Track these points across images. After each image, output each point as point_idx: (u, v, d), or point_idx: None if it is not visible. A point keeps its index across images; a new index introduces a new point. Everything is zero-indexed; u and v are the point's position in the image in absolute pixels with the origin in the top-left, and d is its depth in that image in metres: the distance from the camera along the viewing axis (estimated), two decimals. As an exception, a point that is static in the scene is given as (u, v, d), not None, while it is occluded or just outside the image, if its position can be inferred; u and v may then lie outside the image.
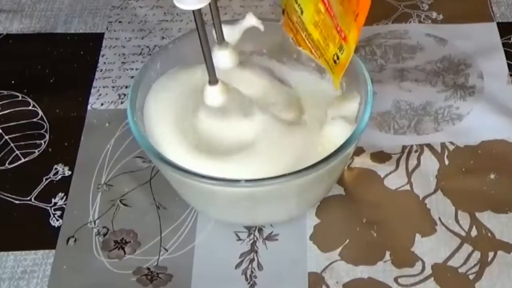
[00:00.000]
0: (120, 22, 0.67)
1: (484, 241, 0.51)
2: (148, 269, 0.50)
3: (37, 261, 0.51)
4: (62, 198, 0.54)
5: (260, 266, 0.50)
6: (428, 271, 0.50)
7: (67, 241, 0.52)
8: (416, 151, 0.56)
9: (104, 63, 0.63)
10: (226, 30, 0.49)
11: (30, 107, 0.60)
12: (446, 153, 0.56)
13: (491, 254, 0.50)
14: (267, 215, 0.51)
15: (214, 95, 0.47)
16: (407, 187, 0.54)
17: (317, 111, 0.51)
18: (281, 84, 0.53)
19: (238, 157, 0.47)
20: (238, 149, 0.47)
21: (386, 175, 0.55)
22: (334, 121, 0.49)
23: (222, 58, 0.49)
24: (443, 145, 0.56)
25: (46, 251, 0.51)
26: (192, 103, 0.50)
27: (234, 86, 0.49)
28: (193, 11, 0.43)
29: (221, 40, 0.49)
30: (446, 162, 0.55)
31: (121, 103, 0.60)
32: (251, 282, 0.49)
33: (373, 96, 0.49)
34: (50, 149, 0.57)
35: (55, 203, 0.54)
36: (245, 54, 0.54)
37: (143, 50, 0.64)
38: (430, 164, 0.55)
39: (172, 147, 0.48)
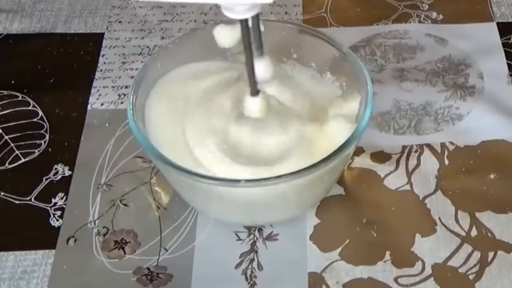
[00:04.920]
0: (120, 22, 0.67)
1: (484, 241, 0.51)
2: (148, 269, 0.50)
3: (37, 261, 0.51)
4: (62, 198, 0.54)
5: (260, 266, 0.50)
6: (428, 271, 0.50)
7: (67, 241, 0.52)
8: (416, 151, 0.56)
9: (104, 63, 0.63)
10: (226, 30, 0.49)
11: (30, 107, 0.60)
12: (446, 153, 0.56)
13: (491, 254, 0.50)
14: (267, 215, 0.51)
15: (255, 106, 0.47)
16: (407, 187, 0.54)
17: (318, 110, 0.51)
18: (304, 92, 0.53)
19: (279, 167, 0.46)
20: (277, 159, 0.47)
21: (386, 175, 0.55)
22: (336, 119, 0.49)
23: (260, 70, 0.49)
24: (443, 145, 0.56)
25: (46, 251, 0.51)
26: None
27: (272, 96, 0.49)
28: (241, 20, 0.43)
29: (260, 53, 0.48)
30: (446, 162, 0.55)
31: (121, 103, 0.60)
32: (251, 282, 0.49)
33: (373, 96, 0.49)
34: (50, 149, 0.57)
35: (55, 203, 0.54)
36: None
37: (143, 50, 0.64)
38: (430, 164, 0.55)
39: (213, 160, 0.47)
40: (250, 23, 0.43)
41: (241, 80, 0.51)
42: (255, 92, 0.47)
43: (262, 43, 0.46)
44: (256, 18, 0.44)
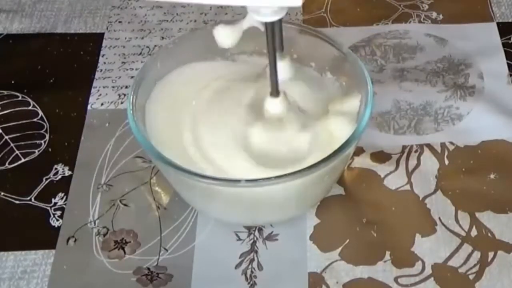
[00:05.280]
0: (120, 22, 0.67)
1: (484, 241, 0.51)
2: (148, 269, 0.50)
3: (37, 261, 0.51)
4: (62, 198, 0.54)
5: (260, 266, 0.50)
6: (428, 271, 0.50)
7: (67, 241, 0.52)
8: (416, 151, 0.56)
9: (104, 63, 0.63)
10: (226, 30, 0.49)
11: (30, 107, 0.60)
12: (446, 153, 0.56)
13: (491, 254, 0.50)
14: (267, 215, 0.51)
15: (276, 107, 0.47)
16: (407, 187, 0.54)
17: (318, 110, 0.51)
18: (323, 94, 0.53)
19: (294, 169, 0.46)
20: (293, 161, 0.47)
21: (386, 175, 0.55)
22: (336, 117, 0.49)
23: (280, 69, 0.49)
24: (443, 145, 0.56)
25: (46, 251, 0.51)
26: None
27: (292, 97, 0.49)
28: (266, 23, 0.43)
29: (281, 55, 0.48)
30: (446, 162, 0.55)
31: (121, 103, 0.60)
32: (251, 282, 0.49)
33: (373, 96, 0.49)
34: (50, 149, 0.57)
35: (55, 203, 0.54)
36: (247, 54, 0.54)
37: (143, 50, 0.64)
38: (430, 164, 0.55)
39: (232, 162, 0.47)
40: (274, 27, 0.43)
41: (261, 78, 0.51)
42: (276, 92, 0.47)
43: (283, 44, 0.46)
44: (279, 20, 0.43)
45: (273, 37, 0.44)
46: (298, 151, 0.48)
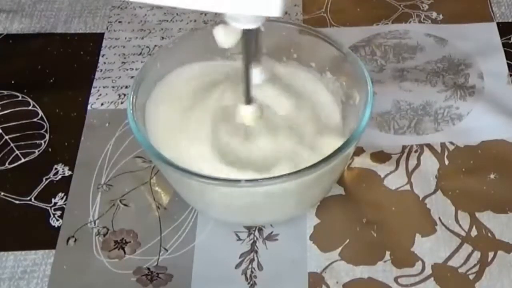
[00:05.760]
0: (120, 22, 0.67)
1: (484, 241, 0.51)
2: (148, 269, 0.50)
3: (37, 261, 0.51)
4: (62, 198, 0.54)
5: (260, 266, 0.50)
6: (428, 271, 0.50)
7: (67, 241, 0.52)
8: (416, 151, 0.56)
9: (104, 63, 0.63)
10: (226, 30, 0.49)
11: (30, 107, 0.60)
12: (446, 153, 0.56)
13: (491, 254, 0.50)
14: (267, 215, 0.51)
15: (248, 115, 0.48)
16: (407, 187, 0.54)
17: (314, 120, 0.51)
18: (303, 99, 0.52)
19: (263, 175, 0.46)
20: (261, 168, 0.47)
21: (386, 175, 0.55)
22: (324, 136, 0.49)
23: (254, 75, 0.48)
24: (443, 145, 0.56)
25: (46, 251, 0.51)
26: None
27: (266, 105, 0.49)
28: (243, 30, 0.43)
29: (257, 62, 0.48)
30: (446, 162, 0.55)
31: (121, 103, 0.60)
32: (251, 282, 0.49)
33: (373, 96, 0.49)
34: (50, 149, 0.57)
35: (55, 203, 0.54)
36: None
37: (143, 50, 0.64)
38: (430, 164, 0.55)
39: (203, 160, 0.48)
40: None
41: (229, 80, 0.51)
42: (248, 100, 0.47)
43: (260, 51, 0.46)
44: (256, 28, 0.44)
45: (248, 45, 0.44)
46: (266, 159, 0.48)
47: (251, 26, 0.42)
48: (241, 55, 0.54)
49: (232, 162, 0.47)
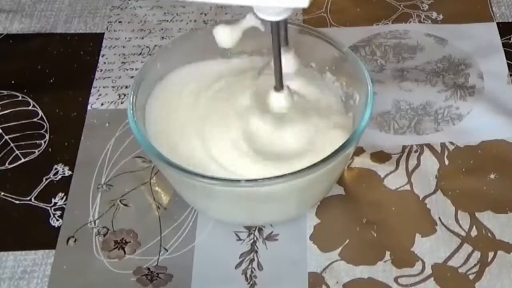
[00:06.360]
0: (120, 22, 0.67)
1: (484, 241, 0.51)
2: (148, 269, 0.50)
3: (37, 261, 0.51)
4: (62, 198, 0.54)
5: (260, 266, 0.50)
6: (428, 271, 0.50)
7: (67, 241, 0.52)
8: (416, 151, 0.56)
9: (104, 63, 0.63)
10: (226, 30, 0.49)
11: (30, 107, 0.60)
12: (446, 153, 0.56)
13: (491, 254, 0.50)
14: (267, 215, 0.51)
15: (280, 101, 0.48)
16: (407, 187, 0.54)
17: (319, 110, 0.51)
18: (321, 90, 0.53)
19: (299, 163, 0.46)
20: (296, 155, 0.47)
21: (386, 175, 0.55)
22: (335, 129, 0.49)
23: (285, 62, 0.48)
24: (443, 145, 0.56)
25: (46, 251, 0.51)
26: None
27: (297, 92, 0.50)
28: (271, 22, 0.43)
29: (286, 50, 0.48)
30: (446, 162, 0.55)
31: (121, 103, 0.60)
32: (251, 282, 0.49)
33: (373, 96, 0.49)
34: (50, 149, 0.57)
35: (55, 203, 0.54)
36: (247, 54, 0.54)
37: (143, 50, 0.64)
38: (430, 164, 0.55)
39: (231, 155, 0.48)
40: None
41: (261, 75, 0.51)
42: (280, 87, 0.47)
43: (288, 39, 0.47)
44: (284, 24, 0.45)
45: (278, 35, 0.44)
46: (298, 147, 0.48)
47: (279, 18, 0.42)
48: (243, 54, 0.55)
49: (262, 156, 0.47)
